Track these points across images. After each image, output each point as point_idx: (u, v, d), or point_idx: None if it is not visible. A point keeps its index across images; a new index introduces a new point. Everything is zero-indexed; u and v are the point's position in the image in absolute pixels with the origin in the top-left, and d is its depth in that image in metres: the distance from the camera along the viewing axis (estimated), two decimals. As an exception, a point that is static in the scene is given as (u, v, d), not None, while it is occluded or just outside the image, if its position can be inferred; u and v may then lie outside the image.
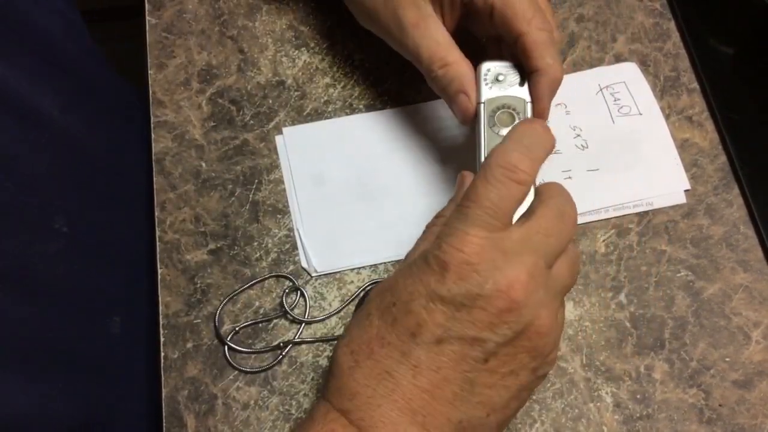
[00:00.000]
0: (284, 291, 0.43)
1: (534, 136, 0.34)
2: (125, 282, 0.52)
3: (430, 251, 0.32)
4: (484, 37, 0.45)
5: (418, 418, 0.31)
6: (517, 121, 0.39)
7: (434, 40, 0.41)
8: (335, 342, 0.42)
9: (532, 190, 0.35)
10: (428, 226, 0.37)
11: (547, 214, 0.33)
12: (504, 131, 0.39)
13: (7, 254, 0.40)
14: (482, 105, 0.40)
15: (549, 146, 0.34)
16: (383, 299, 0.33)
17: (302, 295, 0.43)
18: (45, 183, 0.44)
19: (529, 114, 0.40)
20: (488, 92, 0.40)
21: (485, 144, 0.39)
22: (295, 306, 0.43)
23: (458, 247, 0.31)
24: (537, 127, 0.34)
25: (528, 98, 0.40)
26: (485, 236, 0.31)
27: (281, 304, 0.43)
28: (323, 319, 0.43)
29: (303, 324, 0.43)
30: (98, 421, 0.46)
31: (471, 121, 0.41)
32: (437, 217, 0.37)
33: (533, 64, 0.39)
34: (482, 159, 0.38)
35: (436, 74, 0.41)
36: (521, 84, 0.40)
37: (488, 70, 0.41)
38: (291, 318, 0.43)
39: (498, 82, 0.40)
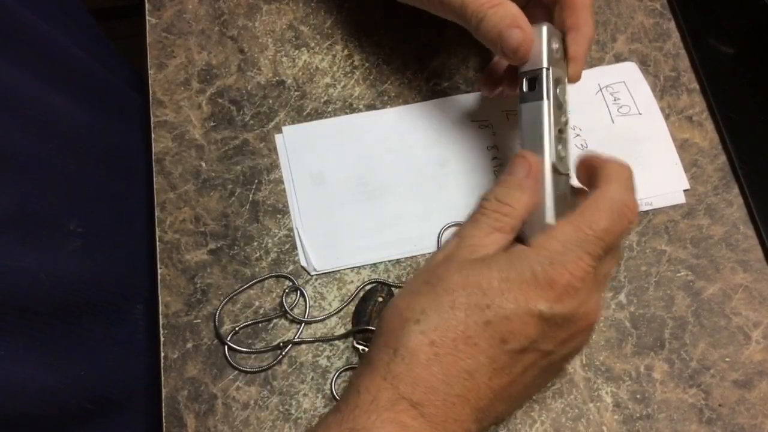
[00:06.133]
0: (284, 291, 0.43)
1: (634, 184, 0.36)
2: (146, 271, 0.52)
3: (540, 265, 0.32)
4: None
5: (480, 415, 0.32)
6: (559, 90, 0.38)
7: None
8: (348, 336, 0.42)
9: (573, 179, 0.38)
10: (485, 207, 0.35)
11: (618, 245, 0.36)
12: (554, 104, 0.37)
13: (27, 256, 0.40)
14: (547, 71, 0.37)
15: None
16: (473, 296, 0.32)
17: (302, 294, 0.43)
18: (57, 185, 0.44)
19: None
20: (550, 58, 0.38)
21: (550, 116, 0.36)
22: (295, 306, 0.43)
23: (570, 270, 0.32)
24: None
25: (564, 74, 0.39)
26: (593, 265, 0.33)
27: (281, 304, 0.43)
28: (323, 319, 0.43)
29: (303, 324, 0.43)
30: (117, 400, 0.47)
31: (526, 58, 0.38)
32: (498, 200, 0.35)
33: (574, 21, 0.39)
34: (547, 133, 0.36)
35: (486, 14, 0.39)
36: (564, 57, 0.39)
37: (550, 35, 0.38)
38: (291, 318, 0.43)
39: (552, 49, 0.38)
